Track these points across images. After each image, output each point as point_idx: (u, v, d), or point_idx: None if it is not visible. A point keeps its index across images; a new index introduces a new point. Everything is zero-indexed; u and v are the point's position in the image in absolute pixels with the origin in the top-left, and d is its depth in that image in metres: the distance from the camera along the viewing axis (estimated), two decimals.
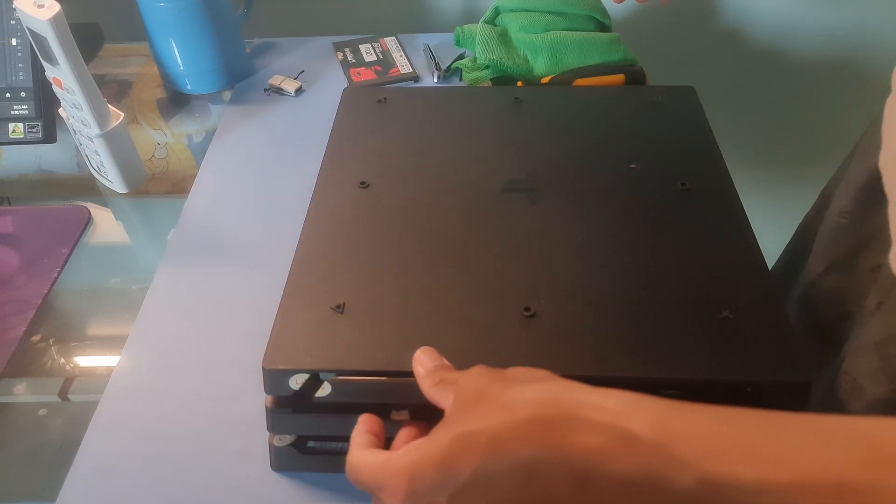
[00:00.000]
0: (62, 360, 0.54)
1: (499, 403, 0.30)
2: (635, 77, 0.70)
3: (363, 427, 0.38)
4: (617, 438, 0.27)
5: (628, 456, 0.26)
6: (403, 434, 0.38)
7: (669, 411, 0.28)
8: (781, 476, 0.25)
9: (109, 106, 0.63)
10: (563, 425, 0.28)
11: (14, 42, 0.71)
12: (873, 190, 0.49)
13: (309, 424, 0.43)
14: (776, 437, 0.26)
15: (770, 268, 0.66)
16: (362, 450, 0.35)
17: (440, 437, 0.30)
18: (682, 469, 0.26)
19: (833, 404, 0.47)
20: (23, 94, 0.71)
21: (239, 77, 0.80)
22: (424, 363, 0.37)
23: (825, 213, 0.57)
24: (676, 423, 0.27)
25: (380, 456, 0.33)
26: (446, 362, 0.37)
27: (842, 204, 0.53)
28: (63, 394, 0.52)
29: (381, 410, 0.40)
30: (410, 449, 0.31)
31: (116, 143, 0.64)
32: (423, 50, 0.82)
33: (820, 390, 0.50)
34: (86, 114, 0.60)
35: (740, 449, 0.26)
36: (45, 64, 0.60)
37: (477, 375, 0.34)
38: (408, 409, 0.40)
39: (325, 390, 0.40)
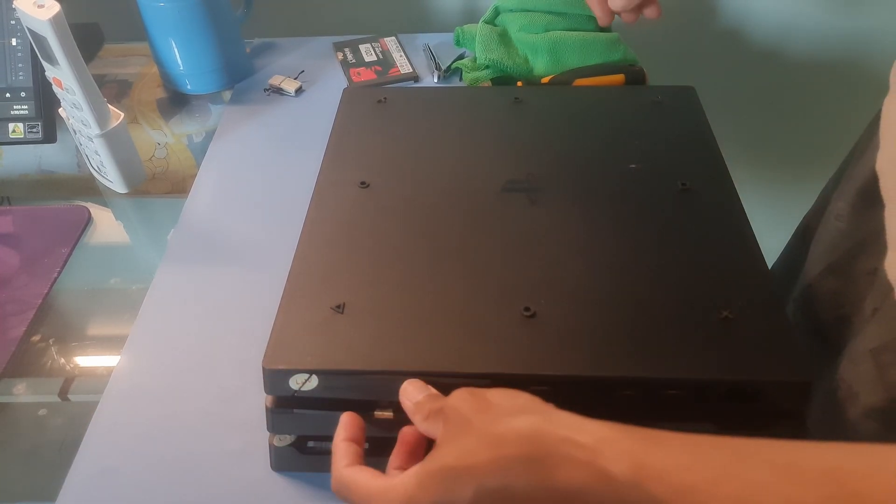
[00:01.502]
0: (62, 360, 0.54)
1: (486, 439, 0.31)
2: (635, 77, 0.70)
3: (347, 434, 0.38)
4: (596, 477, 0.29)
5: (607, 494, 0.28)
6: (397, 457, 0.38)
7: (643, 448, 0.29)
8: None
9: (109, 106, 0.63)
10: (547, 462, 0.30)
11: (14, 42, 0.71)
12: (870, 193, 0.49)
13: (309, 424, 0.43)
14: (745, 471, 0.27)
15: (770, 268, 0.66)
16: (353, 467, 0.36)
17: (434, 470, 0.32)
18: None
19: (831, 410, 0.47)
20: (23, 94, 0.71)
21: (239, 77, 0.80)
22: (412, 396, 0.38)
23: (824, 215, 0.57)
24: (649, 460, 0.29)
25: (377, 481, 0.34)
26: (433, 391, 0.38)
27: (839, 206, 0.53)
28: (63, 394, 0.52)
29: (367, 407, 0.40)
30: (406, 481, 0.32)
31: (116, 143, 0.64)
32: (423, 50, 0.82)
33: (819, 394, 0.50)
34: (86, 114, 0.60)
35: (710, 485, 0.27)
36: (45, 64, 0.60)
37: (460, 402, 0.34)
38: (392, 408, 0.40)
39: (311, 383, 0.40)
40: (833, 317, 0.52)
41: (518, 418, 0.32)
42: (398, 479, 0.33)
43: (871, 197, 0.49)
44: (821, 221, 0.57)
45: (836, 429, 0.47)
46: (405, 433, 0.38)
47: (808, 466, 0.27)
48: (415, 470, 0.32)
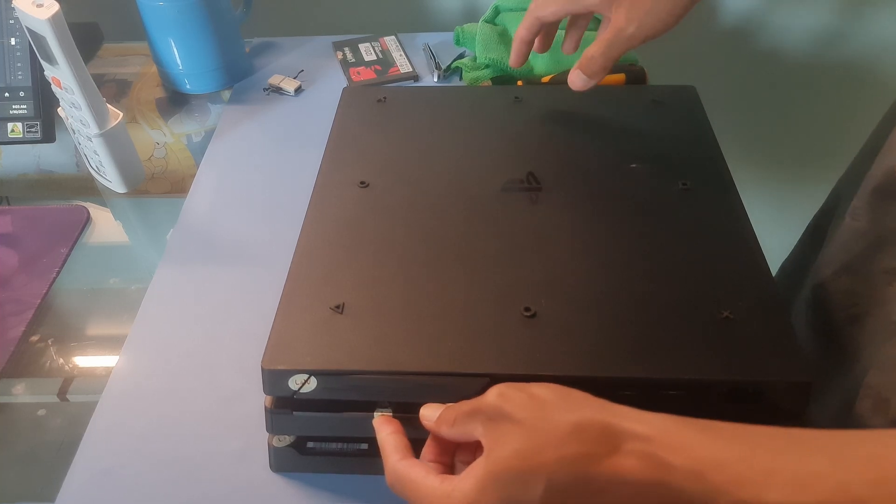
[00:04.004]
0: (61, 360, 0.54)
1: (548, 436, 0.31)
2: (635, 77, 0.70)
3: (391, 427, 0.38)
4: (657, 467, 0.30)
5: (669, 483, 0.29)
6: (430, 450, 0.37)
7: (701, 439, 0.30)
8: (803, 498, 0.27)
9: (108, 105, 0.62)
10: (614, 456, 0.30)
11: (13, 42, 0.71)
12: (889, 191, 0.49)
13: (308, 425, 0.43)
14: (798, 459, 0.29)
15: (778, 267, 0.66)
16: (407, 460, 0.36)
17: (496, 472, 0.31)
18: (716, 496, 0.28)
19: (854, 416, 0.47)
20: (22, 94, 0.71)
21: (238, 77, 0.80)
22: (430, 416, 0.37)
23: (836, 214, 0.57)
24: (707, 452, 0.30)
25: (433, 481, 0.34)
26: (450, 405, 0.37)
27: (854, 205, 0.53)
28: (62, 394, 0.52)
29: (367, 407, 0.40)
30: (466, 486, 0.32)
31: (115, 142, 0.64)
32: (423, 49, 0.82)
33: (832, 396, 0.49)
34: (85, 113, 0.60)
35: (766, 474, 0.28)
36: (44, 63, 0.60)
37: (503, 400, 0.34)
38: (391, 407, 0.40)
39: (310, 385, 0.40)
40: (845, 316, 0.52)
41: (579, 413, 0.32)
42: (457, 483, 0.33)
43: (889, 195, 0.49)
44: (833, 220, 0.57)
45: None
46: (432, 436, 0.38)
47: (853, 452, 0.28)
48: (473, 474, 0.32)
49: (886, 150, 0.51)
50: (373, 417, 0.41)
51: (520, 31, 0.56)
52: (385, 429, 0.38)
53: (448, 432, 0.36)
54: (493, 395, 0.34)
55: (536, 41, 0.59)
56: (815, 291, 0.56)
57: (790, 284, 0.62)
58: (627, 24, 0.50)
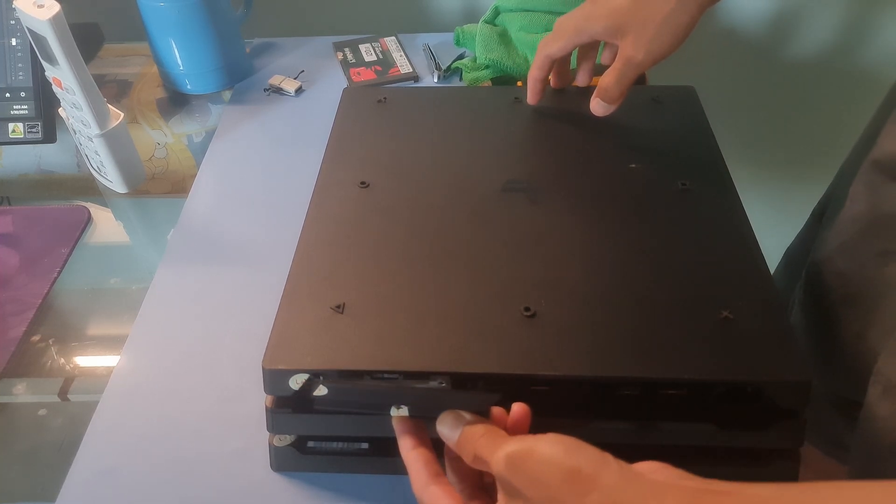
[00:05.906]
0: (62, 360, 0.54)
1: None
2: None
3: (414, 440, 0.36)
4: None
5: None
6: (455, 470, 0.36)
7: None
8: None
9: (109, 106, 0.63)
10: None
11: (14, 42, 0.71)
12: (886, 175, 0.49)
13: (309, 424, 0.43)
14: None
15: (786, 248, 0.66)
16: (434, 486, 0.35)
17: None
18: None
19: (861, 404, 0.47)
20: (23, 94, 0.71)
21: (239, 77, 0.80)
22: (450, 437, 0.35)
23: (835, 197, 0.57)
24: None
25: None
26: (466, 426, 0.35)
27: (853, 189, 0.53)
28: (63, 394, 0.52)
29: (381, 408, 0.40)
30: None
31: (116, 142, 0.64)
32: (423, 50, 0.82)
33: (837, 383, 0.49)
34: (86, 114, 0.60)
35: None
36: (44, 64, 0.60)
37: (513, 473, 0.32)
38: (408, 406, 0.40)
39: (322, 391, 0.40)
40: (839, 296, 0.52)
41: (587, 499, 0.29)
42: None
43: (886, 178, 0.49)
44: (833, 203, 0.58)
45: (865, 421, 0.47)
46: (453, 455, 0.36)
47: None
48: None
49: (885, 135, 0.51)
50: (378, 416, 0.40)
51: (532, 70, 0.58)
52: (406, 443, 0.37)
53: (469, 462, 0.34)
54: (503, 465, 0.32)
55: (551, 79, 0.61)
56: (812, 272, 0.56)
57: (794, 267, 0.63)
58: (635, 52, 0.51)
